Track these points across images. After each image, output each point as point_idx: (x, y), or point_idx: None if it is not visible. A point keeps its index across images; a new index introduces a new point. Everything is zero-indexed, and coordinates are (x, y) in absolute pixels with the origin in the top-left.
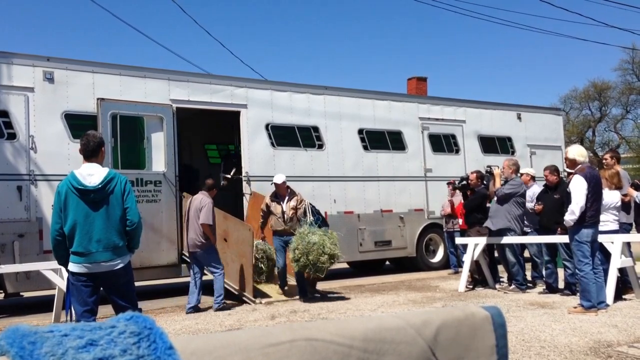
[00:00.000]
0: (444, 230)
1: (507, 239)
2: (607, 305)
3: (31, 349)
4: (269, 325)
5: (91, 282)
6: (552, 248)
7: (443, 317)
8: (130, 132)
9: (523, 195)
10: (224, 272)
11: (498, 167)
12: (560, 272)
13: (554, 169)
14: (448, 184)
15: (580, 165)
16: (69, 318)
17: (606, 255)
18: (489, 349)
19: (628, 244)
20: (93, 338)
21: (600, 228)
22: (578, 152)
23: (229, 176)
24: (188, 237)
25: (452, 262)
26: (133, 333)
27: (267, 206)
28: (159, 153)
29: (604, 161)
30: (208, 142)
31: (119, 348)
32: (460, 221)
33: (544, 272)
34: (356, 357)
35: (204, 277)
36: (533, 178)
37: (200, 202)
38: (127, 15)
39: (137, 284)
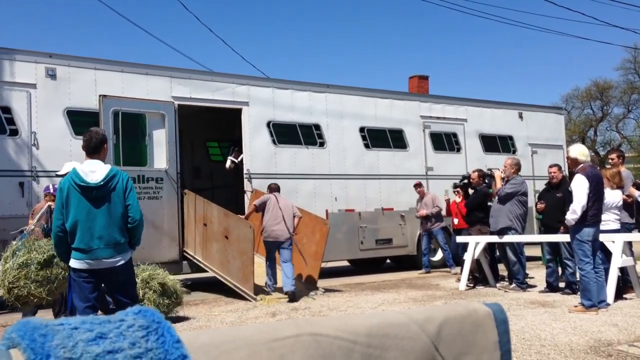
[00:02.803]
0: (422, 231)
1: (507, 238)
2: (608, 305)
3: (42, 342)
4: (270, 322)
5: (92, 279)
6: (554, 247)
7: (446, 313)
8: (132, 129)
9: (525, 194)
10: None
11: (498, 169)
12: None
13: (560, 167)
14: (415, 186)
15: (582, 165)
16: (70, 314)
17: (607, 255)
18: (492, 344)
19: (629, 243)
20: (102, 331)
21: (602, 227)
22: (580, 151)
23: (236, 160)
24: (275, 228)
25: (424, 262)
26: (141, 327)
27: None
28: (161, 150)
29: (610, 160)
30: (210, 140)
31: (127, 341)
32: (456, 220)
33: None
34: (360, 352)
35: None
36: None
37: (286, 200)
38: (130, 13)
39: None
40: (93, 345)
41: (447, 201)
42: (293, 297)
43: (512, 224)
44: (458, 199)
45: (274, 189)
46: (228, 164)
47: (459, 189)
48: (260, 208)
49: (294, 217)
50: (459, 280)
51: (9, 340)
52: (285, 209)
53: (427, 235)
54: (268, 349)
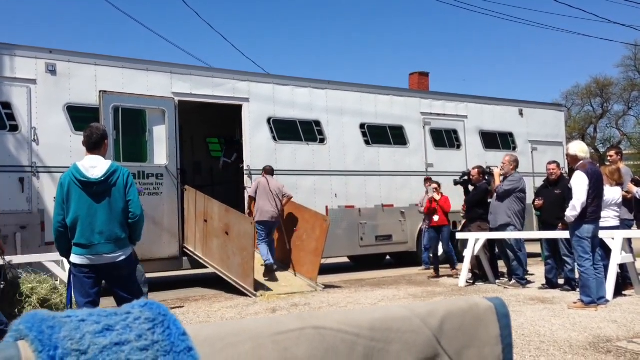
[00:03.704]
0: (425, 227)
1: (507, 235)
2: (607, 301)
3: (50, 333)
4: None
5: (93, 274)
6: (552, 243)
7: (448, 307)
8: (132, 125)
9: (523, 190)
10: None
11: (497, 166)
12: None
13: (558, 164)
14: (425, 180)
15: (581, 162)
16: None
17: (607, 251)
18: (493, 338)
19: (629, 240)
20: (109, 323)
21: (601, 224)
22: (579, 148)
23: (229, 161)
24: (268, 209)
25: (424, 258)
26: (148, 319)
27: None
28: (161, 146)
29: (609, 158)
30: (210, 136)
31: (134, 333)
32: (437, 217)
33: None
34: (363, 346)
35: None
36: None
37: (277, 182)
38: (130, 9)
39: None
40: (100, 337)
41: (430, 199)
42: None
43: (511, 220)
44: (437, 197)
45: (268, 171)
46: (221, 163)
47: (437, 187)
48: (255, 195)
49: (284, 196)
50: (456, 276)
51: (17, 332)
52: (274, 190)
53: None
54: (272, 342)
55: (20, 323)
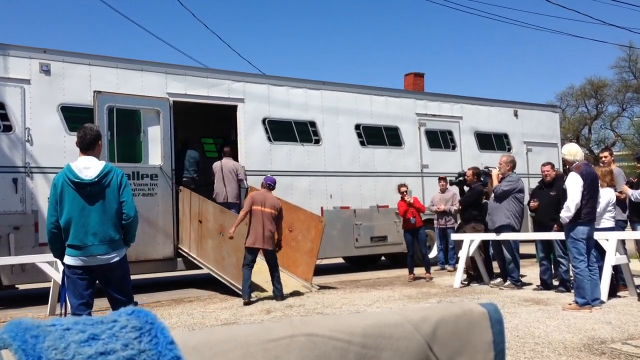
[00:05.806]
0: (436, 226)
1: (503, 236)
2: (602, 302)
3: (34, 343)
4: (265, 319)
5: (87, 275)
6: (547, 245)
7: (441, 313)
8: (126, 125)
9: (521, 190)
10: None
11: (496, 167)
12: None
13: (553, 166)
14: (439, 179)
15: (576, 163)
16: (64, 311)
17: (601, 253)
18: (486, 344)
19: (623, 242)
20: (95, 332)
21: (596, 225)
22: (566, 150)
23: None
24: (217, 191)
25: (440, 259)
26: (135, 328)
27: None
28: (156, 146)
29: (604, 159)
30: (205, 136)
31: (120, 342)
32: (413, 219)
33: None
34: (355, 353)
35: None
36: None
37: (234, 163)
38: (125, 8)
39: (132, 277)
40: (85, 346)
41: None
42: None
43: (510, 221)
44: (410, 200)
45: (226, 152)
46: None
47: (406, 189)
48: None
49: (239, 179)
50: (429, 279)
51: (0, 341)
52: (228, 172)
53: (440, 232)
54: (263, 349)
55: (3, 332)
